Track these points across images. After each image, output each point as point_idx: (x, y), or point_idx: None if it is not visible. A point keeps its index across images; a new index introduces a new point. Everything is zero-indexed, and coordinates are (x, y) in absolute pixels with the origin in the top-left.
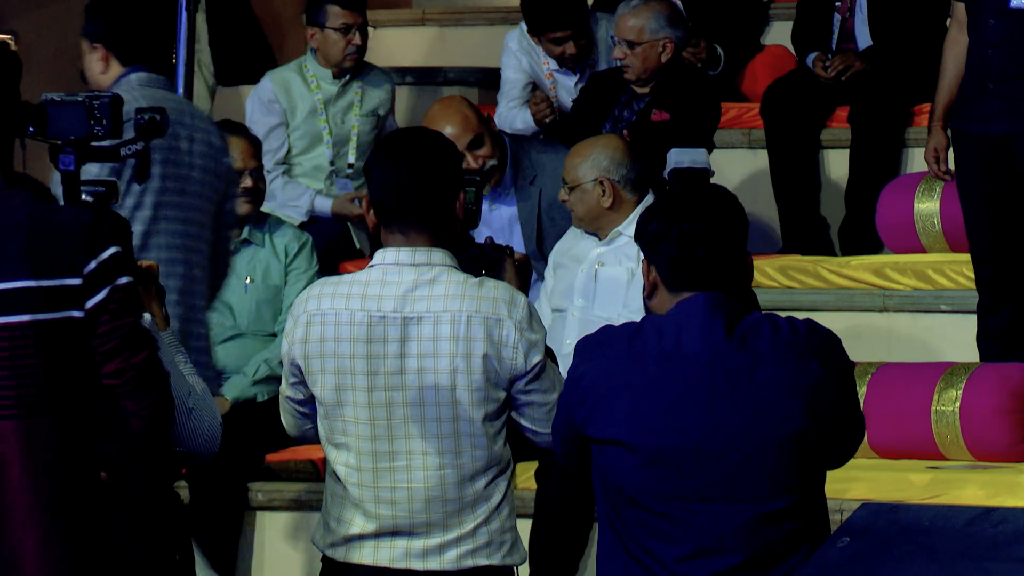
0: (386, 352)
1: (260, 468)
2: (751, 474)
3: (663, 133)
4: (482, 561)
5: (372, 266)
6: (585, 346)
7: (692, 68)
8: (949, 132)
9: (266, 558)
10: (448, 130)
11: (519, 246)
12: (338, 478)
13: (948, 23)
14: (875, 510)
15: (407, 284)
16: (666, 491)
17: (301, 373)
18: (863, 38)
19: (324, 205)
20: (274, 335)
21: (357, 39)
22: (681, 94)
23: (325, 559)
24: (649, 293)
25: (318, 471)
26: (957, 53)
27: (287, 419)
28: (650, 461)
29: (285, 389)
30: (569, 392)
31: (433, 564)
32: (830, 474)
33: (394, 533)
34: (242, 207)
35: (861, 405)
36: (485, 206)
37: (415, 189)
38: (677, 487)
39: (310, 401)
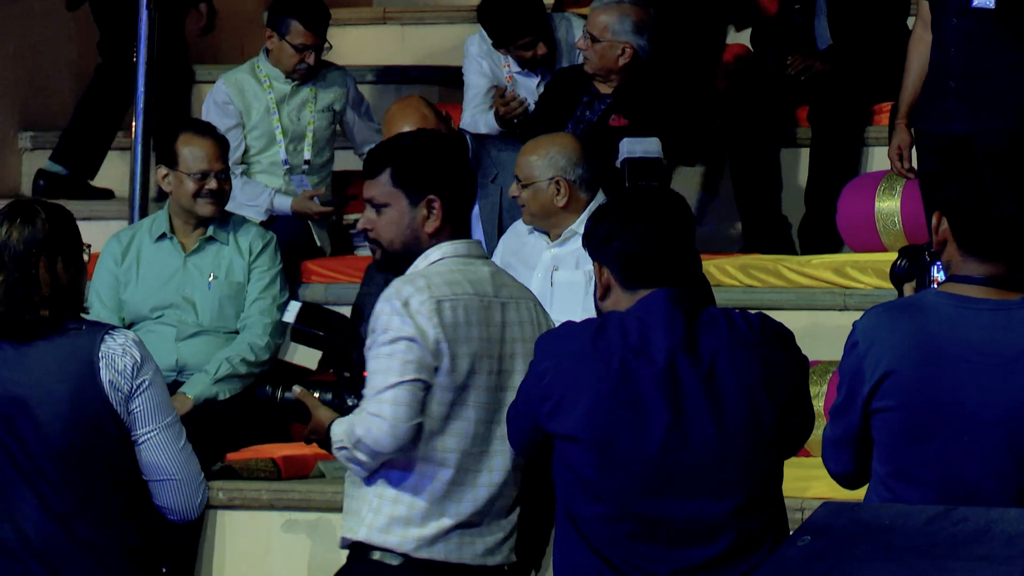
0: (497, 335)
1: (221, 467)
2: (717, 469)
3: (619, 139)
4: (513, 558)
5: (443, 259)
6: (547, 342)
7: (658, 76)
8: (912, 130)
9: (227, 557)
10: (407, 128)
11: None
12: (436, 465)
13: (911, 22)
14: (836, 509)
15: (486, 272)
16: (628, 488)
17: (440, 358)
18: (823, 38)
19: (284, 204)
20: (236, 332)
21: (311, 59)
22: (641, 103)
23: (407, 559)
24: (602, 294)
25: (279, 470)
26: (921, 51)
27: (407, 412)
28: (612, 458)
29: (414, 374)
30: (531, 388)
31: (498, 559)
32: (790, 473)
33: (470, 525)
34: (207, 208)
35: (822, 404)
36: None
37: (473, 188)
38: (639, 484)
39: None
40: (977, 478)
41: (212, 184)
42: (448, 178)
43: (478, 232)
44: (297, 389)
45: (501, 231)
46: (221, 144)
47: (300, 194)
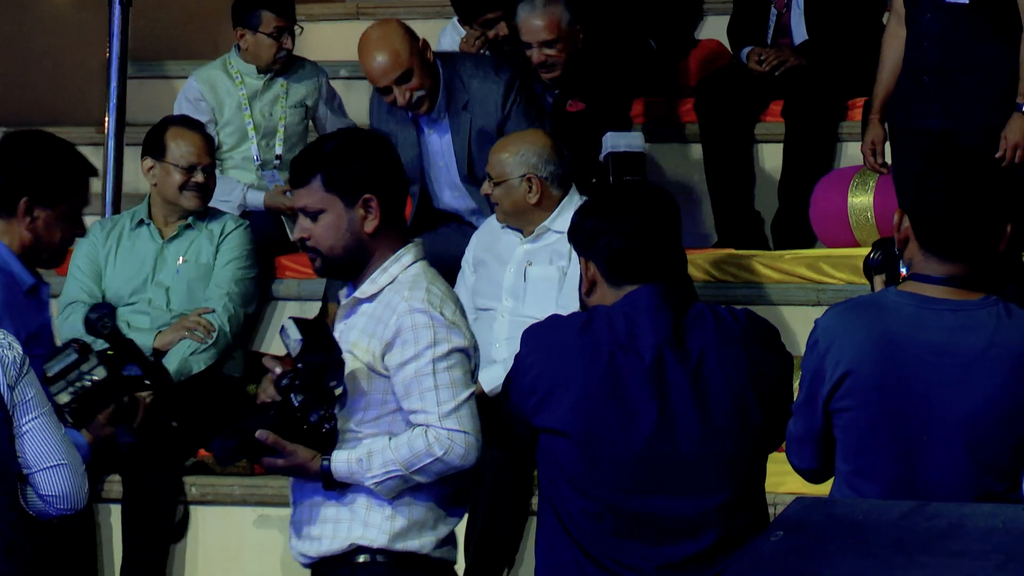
0: None
1: (194, 462)
2: (702, 466)
3: (579, 123)
4: None
5: (416, 262)
6: (533, 335)
7: (598, 52)
8: (886, 125)
9: (200, 552)
10: (379, 59)
11: (454, 171)
12: None
13: (886, 17)
14: (809, 504)
15: None
16: (613, 483)
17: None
18: (799, 33)
19: (256, 199)
20: None
21: (288, 43)
22: (592, 81)
23: (426, 559)
24: (588, 290)
25: (251, 466)
26: (895, 47)
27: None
28: (598, 453)
29: (473, 384)
30: (517, 381)
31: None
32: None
33: (453, 528)
34: (192, 201)
35: (795, 398)
36: (424, 130)
37: (405, 180)
38: (625, 480)
39: None
40: (937, 478)
41: (199, 178)
42: (380, 174)
43: (451, 156)
44: (266, 435)
45: (470, 158)
46: (208, 140)
47: (272, 189)
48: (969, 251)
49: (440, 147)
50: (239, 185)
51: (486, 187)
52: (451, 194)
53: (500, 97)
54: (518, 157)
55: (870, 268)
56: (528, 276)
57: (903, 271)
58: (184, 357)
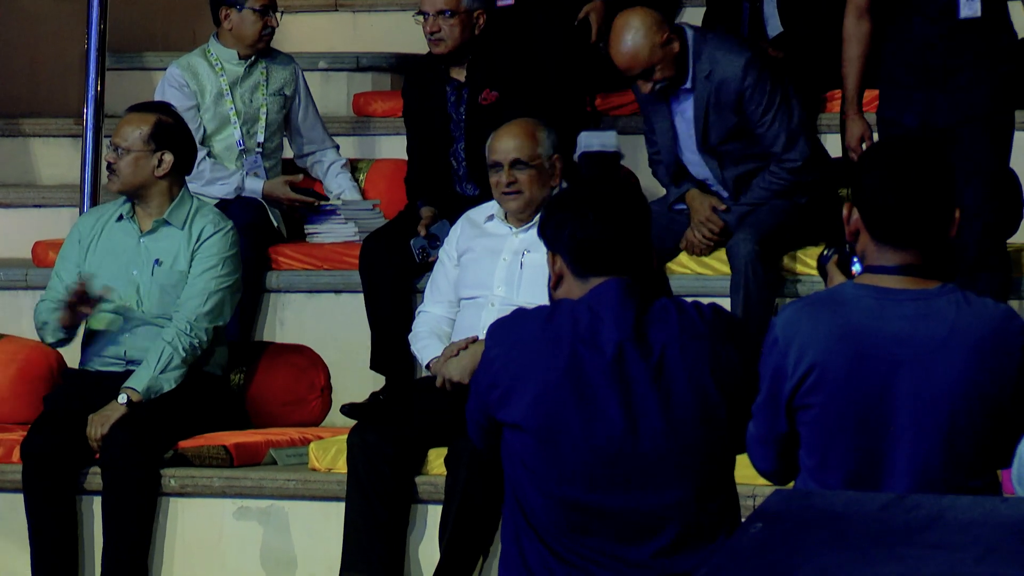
0: None
1: (173, 454)
2: (665, 461)
3: (496, 113)
4: None
5: None
6: (497, 329)
7: (506, 39)
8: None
9: (180, 544)
10: (622, 60)
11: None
12: None
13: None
14: (788, 496)
15: None
16: (574, 478)
17: None
18: (773, 25)
19: (255, 185)
20: None
21: (273, 20)
22: (503, 66)
23: None
24: (555, 283)
25: (231, 457)
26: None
27: None
28: (559, 448)
29: None
30: (481, 376)
31: None
32: (742, 459)
33: None
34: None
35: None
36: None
37: None
38: (586, 475)
39: None
40: (903, 468)
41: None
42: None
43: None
44: None
45: (706, 127)
46: None
47: (275, 179)
48: (918, 237)
49: (686, 116)
50: (237, 172)
51: (506, 175)
52: (693, 159)
53: (740, 71)
54: (548, 140)
55: (823, 266)
56: (525, 264)
57: (854, 269)
58: (155, 378)
